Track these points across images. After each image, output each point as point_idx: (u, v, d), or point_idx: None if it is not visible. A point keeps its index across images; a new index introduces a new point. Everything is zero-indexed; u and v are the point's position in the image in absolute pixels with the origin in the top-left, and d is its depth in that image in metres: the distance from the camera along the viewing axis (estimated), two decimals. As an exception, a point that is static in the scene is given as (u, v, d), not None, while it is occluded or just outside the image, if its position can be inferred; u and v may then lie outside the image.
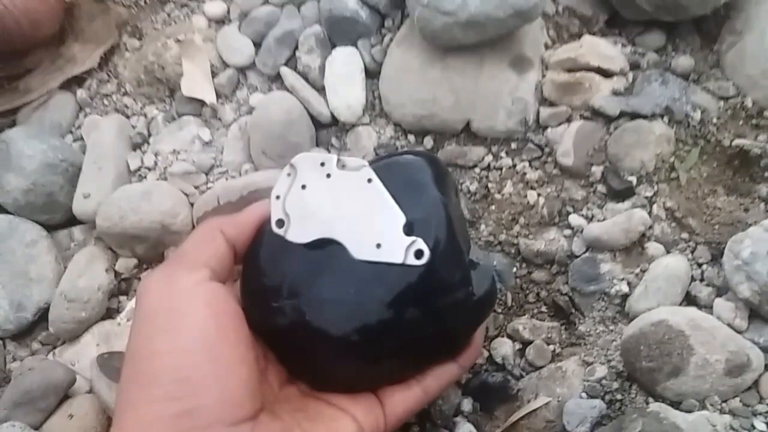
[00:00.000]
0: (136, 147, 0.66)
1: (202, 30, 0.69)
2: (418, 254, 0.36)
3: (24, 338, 0.59)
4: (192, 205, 0.61)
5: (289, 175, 0.40)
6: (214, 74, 0.67)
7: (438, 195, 0.39)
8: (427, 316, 0.37)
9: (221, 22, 0.70)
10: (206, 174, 0.63)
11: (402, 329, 0.37)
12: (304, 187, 0.39)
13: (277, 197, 0.39)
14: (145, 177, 0.64)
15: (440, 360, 0.41)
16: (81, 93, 0.70)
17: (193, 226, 0.60)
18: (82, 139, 0.68)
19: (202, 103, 0.66)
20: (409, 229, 0.37)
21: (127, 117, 0.68)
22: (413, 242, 0.36)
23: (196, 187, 0.62)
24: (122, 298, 0.60)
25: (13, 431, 0.49)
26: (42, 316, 0.59)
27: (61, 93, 0.71)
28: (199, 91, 0.66)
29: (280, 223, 0.39)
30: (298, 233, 0.38)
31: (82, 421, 0.51)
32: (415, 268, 0.36)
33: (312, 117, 0.62)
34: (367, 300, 0.36)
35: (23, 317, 0.58)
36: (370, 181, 0.38)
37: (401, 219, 0.37)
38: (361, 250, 0.37)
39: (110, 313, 0.59)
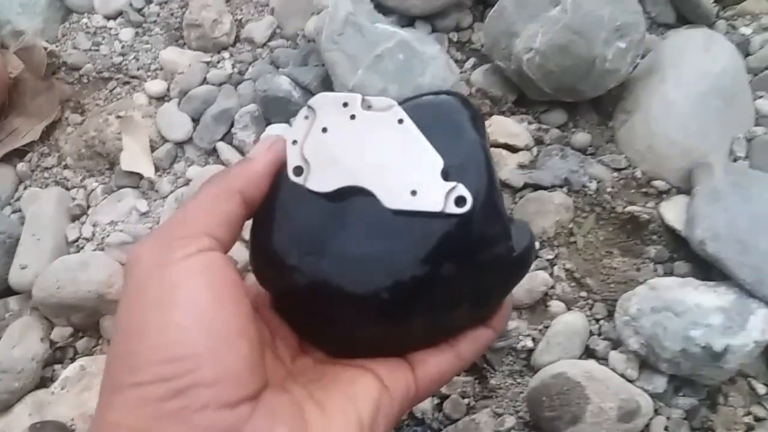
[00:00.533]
0: (74, 218, 0.69)
1: (142, 107, 0.74)
2: (460, 201, 0.32)
3: (-44, 409, 0.60)
4: (128, 273, 0.63)
5: (306, 118, 0.35)
6: (153, 148, 0.71)
7: (477, 137, 0.34)
8: (464, 273, 0.33)
9: (161, 99, 0.75)
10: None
11: (437, 287, 0.33)
12: (325, 130, 0.34)
13: (294, 142, 0.34)
14: (83, 248, 0.66)
15: (472, 324, 0.37)
16: (21, 166, 0.73)
17: (129, 294, 0.62)
18: (20, 211, 0.71)
19: (140, 175, 0.70)
20: (447, 175, 0.32)
21: (67, 189, 0.72)
22: (453, 188, 0.32)
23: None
24: (57, 366, 0.62)
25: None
26: (-25, 386, 0.60)
27: (1, 166, 0.73)
28: (138, 165, 0.69)
29: (299, 170, 0.34)
30: (320, 181, 0.33)
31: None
32: (456, 217, 0.32)
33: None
34: (400, 254, 0.32)
35: (-45, 388, 0.59)
36: (401, 121, 0.34)
37: (439, 163, 0.32)
38: (393, 198, 0.32)
39: (44, 382, 0.61)
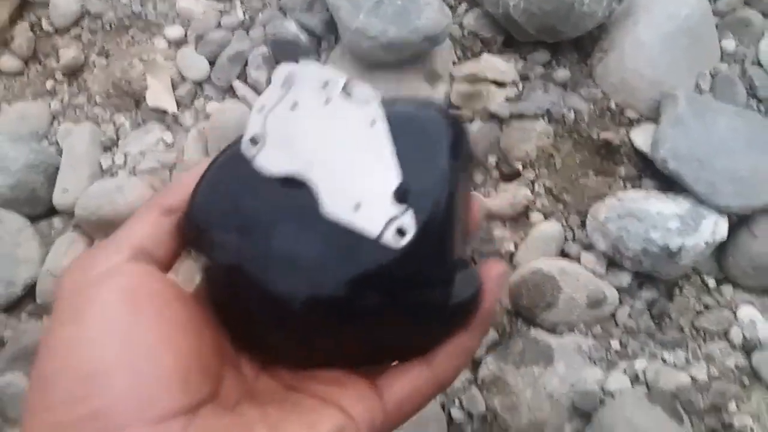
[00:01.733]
0: (106, 149, 0.77)
1: (163, 50, 0.81)
2: (400, 233, 0.29)
3: (14, 311, 0.68)
4: (159, 196, 0.72)
5: (282, 85, 0.32)
6: (174, 87, 0.78)
7: (448, 168, 0.31)
8: (389, 308, 0.30)
9: (180, 43, 0.82)
10: (170, 170, 0.74)
11: (357, 314, 0.30)
12: (294, 106, 0.31)
13: (261, 108, 0.31)
14: (116, 174, 0.74)
15: (410, 353, 0.32)
16: (54, 104, 0.81)
17: (161, 213, 0.71)
18: (57, 143, 0.78)
19: (164, 111, 0.77)
20: (400, 199, 0.29)
21: (98, 124, 0.79)
22: (399, 215, 0.29)
23: (162, 181, 0.73)
24: (99, 276, 0.70)
25: (12, 378, 0.58)
26: (29, 292, 0.68)
27: (35, 105, 0.81)
28: (162, 101, 0.77)
29: (254, 140, 0.31)
30: (270, 161, 0.31)
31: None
32: (390, 250, 0.29)
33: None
34: (324, 267, 0.29)
35: (13, 292, 0.68)
36: (373, 123, 0.31)
37: (395, 181, 0.29)
38: (334, 205, 0.29)
39: (89, 289, 0.69)
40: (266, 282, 0.29)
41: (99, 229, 0.70)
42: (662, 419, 0.49)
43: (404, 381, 0.31)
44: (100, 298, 0.27)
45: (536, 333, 0.58)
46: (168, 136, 0.76)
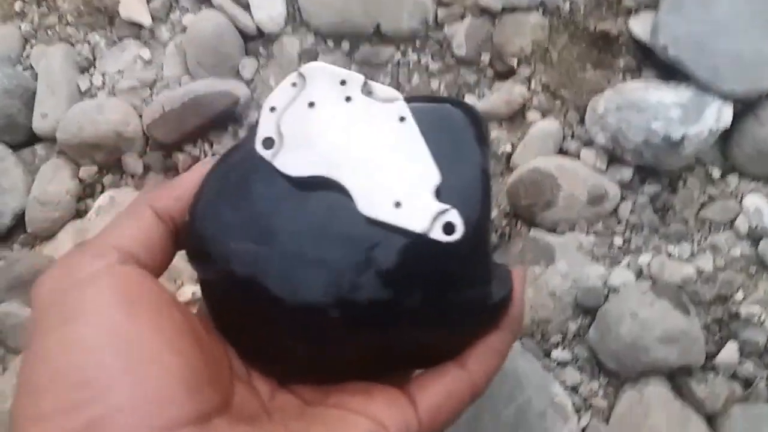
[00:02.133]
0: (83, 70, 0.74)
1: (132, -39, 0.76)
2: (448, 228, 0.27)
3: (5, 242, 0.67)
4: (140, 116, 0.69)
5: (294, 85, 0.30)
6: (148, 0, 0.74)
7: (481, 161, 0.30)
8: (431, 308, 0.28)
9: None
10: (150, 88, 0.71)
11: (396, 317, 0.28)
12: (311, 105, 0.29)
13: (272, 109, 0.30)
14: (95, 95, 0.71)
15: (442, 357, 0.31)
16: (25, 26, 0.77)
17: (144, 133, 0.68)
18: (31, 67, 0.75)
19: (139, 26, 0.73)
20: (441, 195, 0.28)
21: (72, 45, 0.75)
22: (445, 211, 0.27)
23: (143, 100, 0.70)
24: (89, 201, 0.69)
25: (11, 308, 0.58)
26: (19, 222, 0.67)
27: (5, 27, 0.77)
28: (136, 14, 0.73)
29: (269, 143, 0.29)
30: (291, 162, 0.28)
31: (67, 299, 0.60)
32: (440, 246, 0.27)
33: (240, 30, 0.70)
34: (363, 270, 0.27)
35: (2, 223, 0.66)
36: (402, 119, 0.29)
37: (434, 177, 0.28)
38: (372, 204, 0.27)
39: (80, 214, 0.68)
40: (297, 291, 0.27)
41: (82, 152, 0.68)
42: (668, 311, 0.49)
43: (438, 386, 0.29)
44: (91, 299, 0.25)
45: (536, 233, 0.57)
46: (145, 53, 0.72)
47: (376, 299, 0.27)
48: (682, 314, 0.49)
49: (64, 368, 0.23)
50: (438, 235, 0.27)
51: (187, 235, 0.30)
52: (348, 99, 0.30)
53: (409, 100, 0.31)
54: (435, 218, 0.27)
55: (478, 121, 0.31)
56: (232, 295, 0.29)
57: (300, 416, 0.28)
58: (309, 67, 0.30)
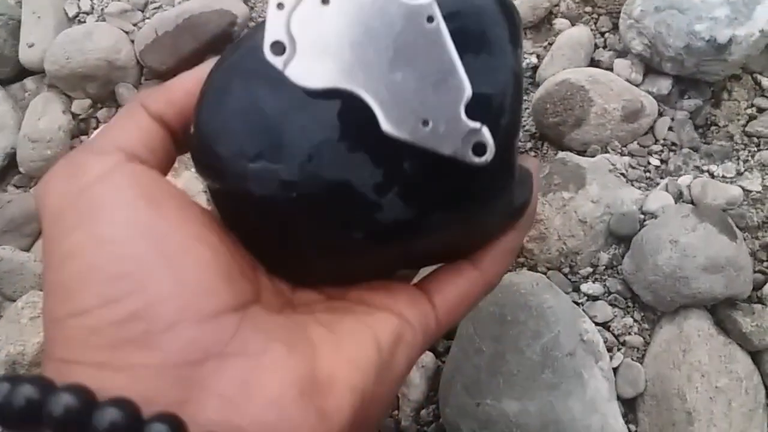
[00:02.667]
0: (70, -5, 0.68)
1: None
2: (479, 150, 0.25)
3: (-1, 183, 0.64)
4: (133, 42, 0.64)
5: None
6: None
7: (514, 63, 0.28)
8: (456, 223, 0.28)
9: None
10: (142, 11, 0.66)
11: (420, 234, 0.28)
12: (326, 1, 0.25)
13: (280, 6, 0.25)
14: (84, 21, 0.66)
15: (459, 256, 0.31)
16: (7, -50, 0.71)
17: (137, 61, 0.63)
18: (16, -6, 0.70)
19: (127, -57, 0.67)
20: (471, 108, 0.25)
21: (57, -33, 0.70)
22: (475, 131, 0.25)
23: (135, 24, 0.65)
24: (83, 137, 0.65)
25: (4, 253, 0.54)
26: (11, 162, 0.63)
27: (-13, -48, 0.71)
28: (123, -70, 0.67)
29: (278, 47, 0.25)
30: (305, 71, 0.25)
31: (65, 240, 0.57)
32: (468, 167, 0.26)
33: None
34: (388, 191, 0.26)
35: (-6, 163, 0.63)
36: (431, 20, 0.25)
37: (465, 90, 0.25)
38: (396, 121, 0.25)
39: (75, 151, 0.64)
40: (317, 214, 0.26)
41: (73, 84, 0.63)
42: (712, 236, 0.43)
43: (455, 286, 0.30)
44: (111, 196, 0.24)
45: (564, 155, 0.52)
46: (135, -28, 0.67)
47: (400, 220, 0.26)
48: (728, 239, 0.43)
49: (98, 263, 0.23)
50: (468, 156, 0.25)
51: (195, 147, 0.28)
52: None
53: None
54: (464, 138, 0.25)
55: (511, 16, 0.28)
56: (246, 211, 0.27)
57: (326, 309, 0.28)
58: None
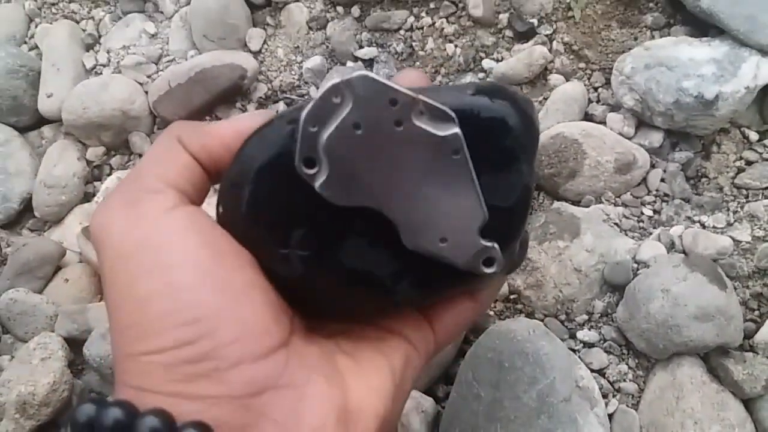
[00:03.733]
0: (88, 48, 0.72)
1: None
2: (488, 263, 0.29)
3: (14, 227, 0.66)
4: (146, 93, 0.67)
5: (336, 98, 0.27)
6: (151, -28, 0.71)
7: (529, 178, 0.30)
8: (460, 291, 0.34)
9: None
10: (156, 63, 0.69)
11: (429, 302, 0.33)
12: (357, 126, 0.27)
13: (313, 122, 0.27)
14: (101, 73, 0.69)
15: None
16: (29, 4, 0.75)
17: (150, 111, 0.66)
18: (36, 47, 0.73)
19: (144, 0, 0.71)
20: (487, 233, 0.28)
21: (77, 22, 0.73)
22: (487, 248, 0.29)
23: (149, 76, 0.68)
24: (96, 183, 0.67)
25: (18, 295, 0.56)
26: (27, 206, 0.66)
27: (10, 7, 0.75)
28: (140, -13, 0.70)
29: (310, 163, 0.27)
30: (334, 190, 0.27)
31: (76, 284, 0.59)
32: (478, 273, 0.29)
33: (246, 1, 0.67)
34: (401, 280, 0.30)
35: (10, 207, 0.65)
36: (456, 153, 0.27)
37: (481, 217, 0.28)
38: (417, 238, 0.28)
39: (88, 198, 0.66)
40: (338, 292, 0.30)
41: (88, 132, 0.66)
42: (703, 286, 0.45)
43: (453, 314, 0.34)
44: (177, 243, 0.27)
45: (560, 205, 0.54)
46: (150, 27, 0.70)
47: (409, 298, 0.31)
48: (719, 289, 0.45)
49: (170, 309, 0.26)
50: (479, 269, 0.29)
51: (232, 209, 0.30)
52: (398, 124, 0.27)
53: (460, 101, 0.28)
54: (476, 254, 0.29)
55: (531, 130, 0.30)
56: (287, 281, 0.30)
57: (344, 335, 0.32)
58: (355, 79, 0.26)
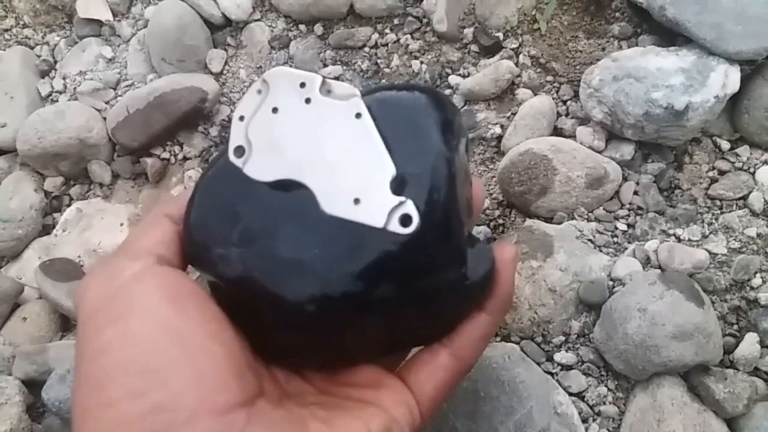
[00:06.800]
0: (44, 74, 0.69)
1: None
2: (405, 220, 0.29)
3: (-30, 262, 0.63)
4: (105, 119, 0.65)
5: (259, 92, 0.32)
6: (107, -6, 0.69)
7: (442, 146, 0.31)
8: (405, 296, 0.30)
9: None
10: (114, 89, 0.66)
11: (373, 307, 0.30)
12: (275, 110, 0.31)
13: (241, 118, 0.31)
14: (57, 100, 0.67)
15: (432, 337, 0.34)
16: (-20, 32, 0.72)
17: (109, 138, 0.64)
18: (-11, 75, 0.70)
19: (100, 23, 0.69)
20: (398, 186, 0.29)
21: (31, 47, 0.71)
22: (400, 204, 0.29)
23: (107, 102, 0.66)
24: (56, 215, 0.65)
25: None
26: (-17, 241, 0.63)
27: (-40, 34, 0.72)
28: (95, 11, 0.68)
29: (240, 151, 0.31)
30: (260, 168, 0.31)
31: (35, 322, 0.57)
32: (398, 237, 0.29)
33: (205, 20, 0.65)
34: (333, 266, 0.29)
35: (-35, 243, 0.62)
36: (358, 116, 0.30)
37: (390, 171, 0.29)
38: (333, 202, 0.29)
39: (47, 230, 0.64)
40: (278, 290, 0.30)
41: (45, 162, 0.63)
42: (680, 303, 0.44)
43: (433, 377, 0.33)
44: (141, 297, 0.28)
45: (532, 222, 0.52)
46: (107, 51, 0.68)
47: (348, 293, 0.29)
48: (696, 306, 0.44)
49: (126, 359, 0.26)
50: (395, 227, 0.29)
51: (183, 243, 0.32)
52: (308, 101, 0.31)
53: (367, 92, 0.32)
54: (392, 212, 0.29)
55: (440, 106, 0.33)
56: (228, 296, 0.31)
57: (320, 404, 0.31)
58: (271, 73, 0.32)
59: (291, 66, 0.65)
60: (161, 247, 0.31)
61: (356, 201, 0.29)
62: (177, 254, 0.32)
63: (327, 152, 0.30)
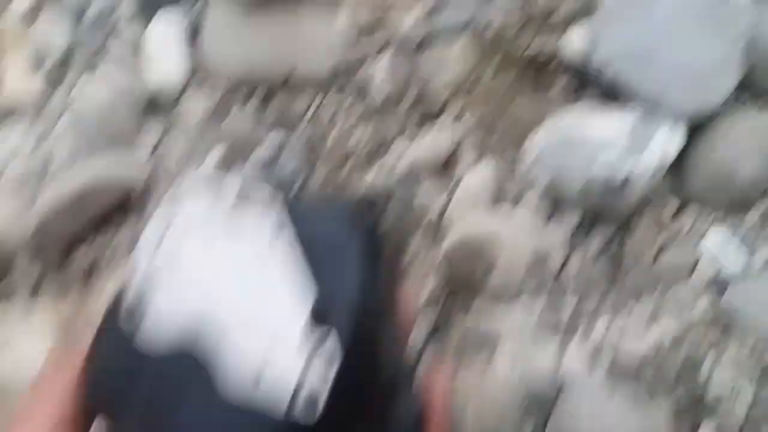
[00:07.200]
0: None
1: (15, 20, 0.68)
2: (311, 403, 0.24)
3: None
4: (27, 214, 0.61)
5: (163, 218, 0.26)
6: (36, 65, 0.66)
7: (367, 271, 0.26)
8: None
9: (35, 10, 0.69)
10: (38, 179, 0.63)
11: None
12: (185, 233, 0.26)
13: (144, 249, 0.26)
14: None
15: None
16: None
17: (32, 238, 0.60)
18: None
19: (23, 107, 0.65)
20: (319, 315, 0.24)
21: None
22: (308, 378, 0.23)
23: (29, 197, 0.62)
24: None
25: None
26: None
27: None
28: (22, 90, 0.65)
29: (130, 312, 0.25)
30: (155, 333, 0.25)
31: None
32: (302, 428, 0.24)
33: (135, 96, 0.62)
34: None
35: None
36: (277, 233, 0.25)
37: (310, 299, 0.24)
38: (232, 381, 0.24)
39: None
40: None
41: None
42: (628, 408, 0.42)
43: None
44: None
45: (474, 318, 0.50)
46: (29, 140, 0.64)
47: None
48: (644, 410, 0.42)
49: None
50: (301, 414, 0.23)
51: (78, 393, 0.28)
52: (219, 216, 0.26)
53: (294, 204, 0.27)
54: (295, 392, 0.23)
55: (367, 225, 0.28)
56: None
57: None
58: (179, 190, 0.26)
59: (229, 137, 0.62)
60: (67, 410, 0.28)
61: (258, 376, 0.24)
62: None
63: (236, 288, 0.25)
